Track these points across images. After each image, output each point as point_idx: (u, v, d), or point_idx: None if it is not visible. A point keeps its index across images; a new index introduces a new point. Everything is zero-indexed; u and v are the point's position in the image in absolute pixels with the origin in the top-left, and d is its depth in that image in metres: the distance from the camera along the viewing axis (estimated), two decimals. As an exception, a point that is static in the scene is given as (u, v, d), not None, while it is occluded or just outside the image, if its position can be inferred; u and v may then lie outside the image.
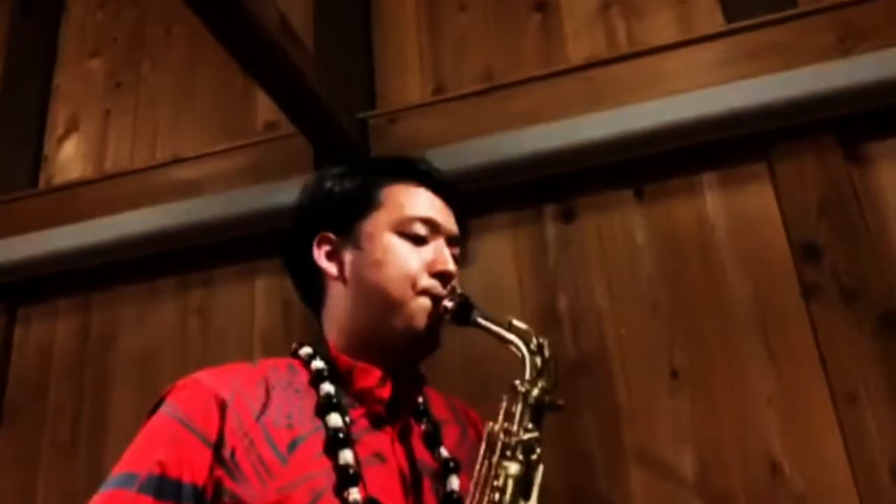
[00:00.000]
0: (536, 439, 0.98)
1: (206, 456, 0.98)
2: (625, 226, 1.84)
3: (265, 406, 1.04)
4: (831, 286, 1.65)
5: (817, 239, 1.69)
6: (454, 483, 1.08)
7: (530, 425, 0.99)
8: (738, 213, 1.77)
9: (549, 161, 1.85)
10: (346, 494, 0.98)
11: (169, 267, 2.09)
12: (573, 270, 1.83)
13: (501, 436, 0.99)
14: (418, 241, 1.14)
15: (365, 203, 1.16)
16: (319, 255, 1.17)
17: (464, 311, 1.09)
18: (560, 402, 1.01)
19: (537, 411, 1.00)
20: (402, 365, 1.13)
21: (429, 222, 1.15)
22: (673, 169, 1.84)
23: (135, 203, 2.10)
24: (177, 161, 2.15)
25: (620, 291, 1.79)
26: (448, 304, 1.09)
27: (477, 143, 1.88)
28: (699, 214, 1.80)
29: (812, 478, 1.55)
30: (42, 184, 2.33)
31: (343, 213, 1.16)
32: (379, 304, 1.10)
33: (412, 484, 1.05)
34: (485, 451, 1.00)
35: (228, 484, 0.97)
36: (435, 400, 1.22)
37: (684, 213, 1.81)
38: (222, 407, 1.01)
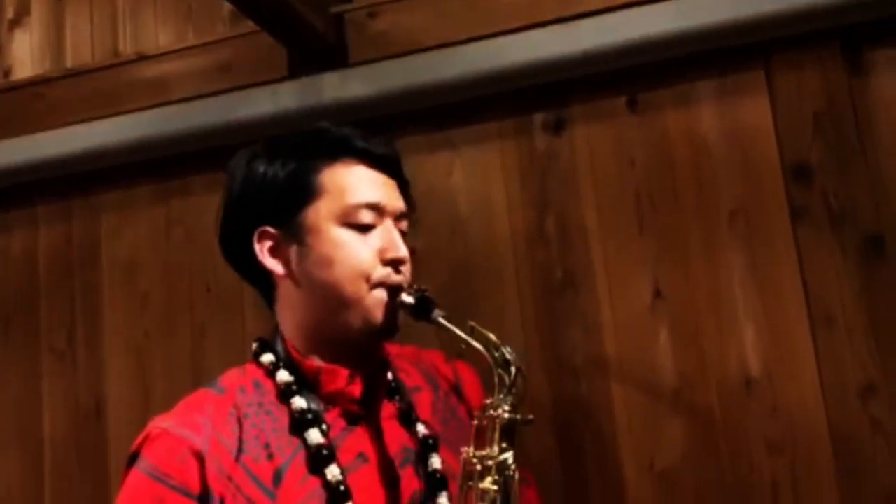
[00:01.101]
0: (511, 458, 1.00)
1: None
2: (616, 137, 1.79)
3: (241, 442, 1.04)
4: (819, 208, 1.65)
5: (810, 159, 1.66)
6: (435, 462, 1.11)
7: (504, 444, 1.01)
8: (731, 126, 1.73)
9: (540, 69, 1.76)
10: None
11: (146, 175, 2.04)
12: (562, 184, 1.80)
13: (477, 465, 1.01)
14: (365, 229, 1.10)
15: (303, 192, 1.09)
16: (262, 253, 1.12)
17: (423, 308, 1.07)
18: (530, 417, 1.03)
19: (509, 430, 1.01)
20: (364, 354, 1.12)
21: (374, 207, 1.10)
22: (668, 77, 1.76)
23: (103, 105, 2.01)
24: (142, 59, 2.02)
25: (609, 207, 1.77)
26: (407, 299, 1.08)
27: (463, 51, 1.78)
28: (692, 126, 1.75)
29: (784, 395, 1.63)
30: (0, 77, 2.20)
31: (280, 205, 1.10)
32: (333, 302, 1.08)
33: (397, 476, 1.08)
34: (462, 477, 1.02)
35: None
36: (404, 367, 1.21)
37: (677, 123, 1.76)
38: (199, 458, 1.01)
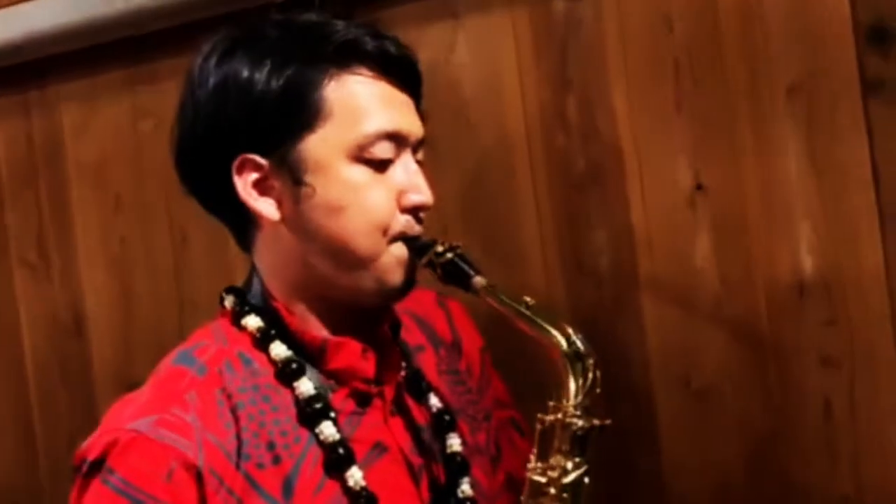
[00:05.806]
0: (585, 472, 0.85)
1: None
2: (650, -4, 1.51)
3: (239, 442, 0.86)
4: (899, 80, 1.38)
5: (890, 19, 1.37)
6: (454, 443, 0.98)
7: (577, 458, 0.84)
8: (793, -22, 1.43)
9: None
10: None
11: (108, 61, 1.80)
12: (585, 57, 1.55)
13: (546, 483, 0.85)
14: (381, 165, 0.91)
15: (302, 113, 0.88)
16: (244, 188, 0.91)
17: (458, 274, 0.90)
18: (607, 421, 0.86)
19: (584, 439, 0.85)
20: (371, 318, 0.96)
21: (394, 137, 0.92)
22: (715, -82, 1.46)
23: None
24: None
25: (641, 84, 1.52)
26: (440, 260, 0.90)
27: None
28: (745, -21, 1.46)
29: (843, 301, 1.42)
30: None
31: (271, 128, 0.89)
32: (341, 258, 0.91)
33: (418, 464, 0.96)
34: (527, 494, 0.86)
35: None
36: (404, 321, 1.04)
37: (725, -24, 1.47)
38: (196, 474, 0.83)
